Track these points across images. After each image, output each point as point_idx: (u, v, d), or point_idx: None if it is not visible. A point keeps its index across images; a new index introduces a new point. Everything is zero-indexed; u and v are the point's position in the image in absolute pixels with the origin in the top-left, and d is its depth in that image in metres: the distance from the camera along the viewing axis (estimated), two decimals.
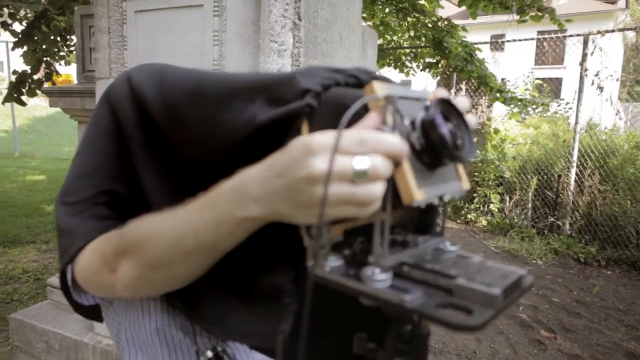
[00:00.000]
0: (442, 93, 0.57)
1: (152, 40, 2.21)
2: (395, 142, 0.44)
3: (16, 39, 3.74)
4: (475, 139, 0.57)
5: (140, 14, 2.22)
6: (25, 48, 3.80)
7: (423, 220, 0.60)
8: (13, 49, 3.79)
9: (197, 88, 0.59)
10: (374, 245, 0.47)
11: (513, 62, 14.28)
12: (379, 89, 0.49)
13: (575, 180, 5.82)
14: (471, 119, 0.59)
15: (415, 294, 0.44)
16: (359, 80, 0.56)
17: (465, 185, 0.57)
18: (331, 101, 0.52)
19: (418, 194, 0.46)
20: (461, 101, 0.58)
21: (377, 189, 0.43)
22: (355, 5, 2.94)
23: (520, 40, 6.66)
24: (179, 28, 2.16)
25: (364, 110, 0.49)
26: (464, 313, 0.42)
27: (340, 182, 0.43)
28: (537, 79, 8.07)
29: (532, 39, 6.83)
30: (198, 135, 0.58)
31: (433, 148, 0.48)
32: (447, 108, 0.52)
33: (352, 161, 0.42)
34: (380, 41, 6.66)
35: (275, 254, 0.57)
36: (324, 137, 0.43)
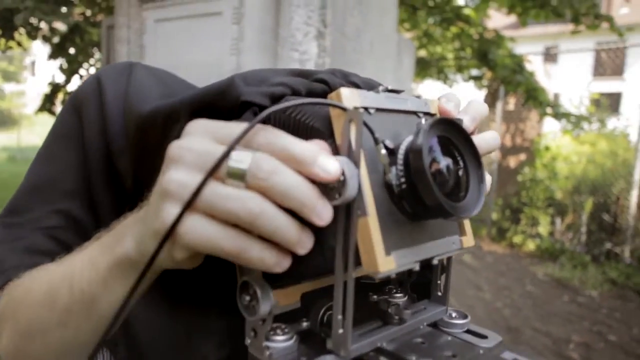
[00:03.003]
0: (447, 105, 0.40)
1: (171, 51, 2.14)
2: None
3: (50, 52, 3.91)
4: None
5: (160, 23, 2.16)
6: (60, 60, 3.95)
7: (424, 275, 0.45)
8: (48, 60, 3.95)
9: (151, 111, 0.49)
10: (333, 324, 0.34)
11: (568, 75, 13.58)
12: (348, 98, 0.34)
13: (637, 203, 5.36)
14: (490, 138, 0.44)
15: None
16: (329, 86, 0.42)
17: (469, 242, 0.41)
18: (287, 116, 0.38)
19: (384, 263, 0.32)
20: (476, 109, 0.44)
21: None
22: (389, 13, 2.76)
23: (573, 51, 6.25)
24: (199, 37, 2.07)
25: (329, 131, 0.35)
26: None
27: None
28: (594, 93, 7.56)
29: (583, 50, 6.39)
30: (141, 162, 0.50)
31: (416, 193, 0.32)
32: (450, 130, 0.36)
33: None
34: (423, 53, 6.44)
35: (209, 319, 0.48)
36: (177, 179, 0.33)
